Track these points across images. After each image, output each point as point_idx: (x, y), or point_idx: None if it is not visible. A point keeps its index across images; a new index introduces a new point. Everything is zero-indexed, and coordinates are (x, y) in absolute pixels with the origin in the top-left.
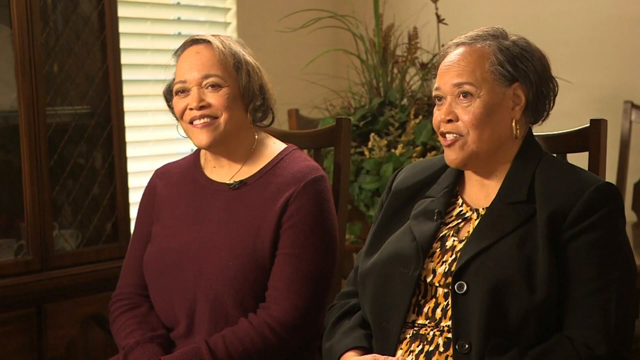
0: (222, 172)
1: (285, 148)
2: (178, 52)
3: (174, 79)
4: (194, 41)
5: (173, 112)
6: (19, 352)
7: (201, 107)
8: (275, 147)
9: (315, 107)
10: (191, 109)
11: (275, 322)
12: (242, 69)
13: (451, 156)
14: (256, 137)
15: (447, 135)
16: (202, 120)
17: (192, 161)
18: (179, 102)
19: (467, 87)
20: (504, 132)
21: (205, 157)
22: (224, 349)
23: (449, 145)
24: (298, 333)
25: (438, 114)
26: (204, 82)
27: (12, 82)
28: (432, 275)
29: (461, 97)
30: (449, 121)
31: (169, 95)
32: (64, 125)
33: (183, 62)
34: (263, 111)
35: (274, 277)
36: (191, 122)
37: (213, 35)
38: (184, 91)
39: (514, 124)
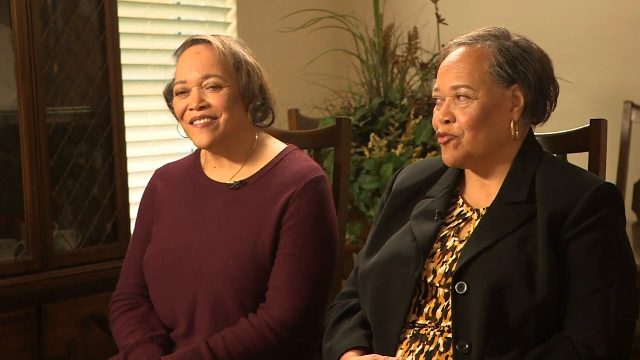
0: (223, 172)
1: (285, 148)
2: (178, 52)
3: (174, 79)
4: (193, 41)
5: (173, 112)
6: (19, 352)
7: (201, 108)
8: (275, 147)
9: (315, 107)
10: (191, 109)
11: (275, 322)
12: (242, 69)
13: (446, 155)
14: (256, 137)
15: (197, 121)
16: (202, 121)
17: (192, 161)
18: (179, 103)
19: (463, 90)
20: (502, 133)
21: (206, 157)
22: (224, 349)
23: (443, 144)
24: (298, 333)
25: (436, 114)
26: (204, 83)
27: (12, 82)
28: (432, 276)
29: (459, 98)
30: (447, 122)
31: (169, 95)
32: (64, 125)
33: (183, 62)
34: (263, 111)
35: (274, 277)
36: (191, 122)
37: (213, 35)
38: (184, 91)
39: (512, 125)
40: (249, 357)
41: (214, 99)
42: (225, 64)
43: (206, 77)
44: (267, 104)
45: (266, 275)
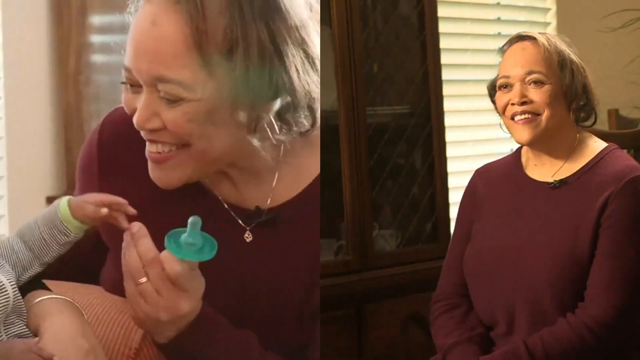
0: (544, 170)
1: (606, 147)
2: (504, 48)
3: (498, 75)
4: (520, 37)
5: (495, 107)
6: (339, 352)
7: (523, 103)
8: (595, 145)
9: (635, 107)
10: (513, 104)
11: (593, 322)
12: (567, 67)
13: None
14: (577, 136)
15: (518, 116)
16: (523, 117)
17: (513, 160)
18: (501, 97)
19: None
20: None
21: (527, 156)
22: (542, 350)
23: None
24: (616, 333)
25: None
26: (527, 78)
27: (332, 83)
28: None
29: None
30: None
31: (492, 90)
32: (383, 125)
33: (508, 57)
34: (586, 111)
35: (593, 276)
36: (512, 118)
37: (540, 33)
38: (507, 86)
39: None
40: (567, 358)
41: (537, 95)
42: (549, 61)
43: (529, 73)
44: (590, 104)
45: (585, 274)
